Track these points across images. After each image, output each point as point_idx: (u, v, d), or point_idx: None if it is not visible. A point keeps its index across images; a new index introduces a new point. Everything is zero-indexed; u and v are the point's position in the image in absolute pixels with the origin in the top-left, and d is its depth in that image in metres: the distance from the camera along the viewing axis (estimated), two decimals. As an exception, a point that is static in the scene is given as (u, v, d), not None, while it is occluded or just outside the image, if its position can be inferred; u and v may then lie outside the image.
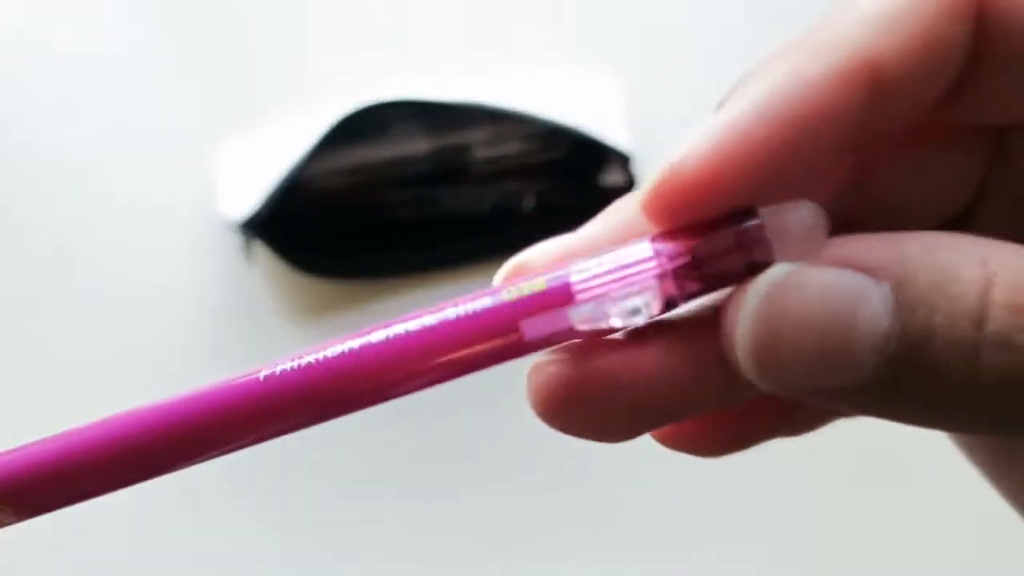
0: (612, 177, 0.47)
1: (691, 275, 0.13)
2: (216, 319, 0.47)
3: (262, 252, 0.46)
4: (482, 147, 0.47)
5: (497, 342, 0.13)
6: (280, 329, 0.47)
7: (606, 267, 0.13)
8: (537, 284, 0.13)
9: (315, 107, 0.45)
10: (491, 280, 0.15)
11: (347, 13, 0.50)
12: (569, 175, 0.48)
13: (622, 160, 0.46)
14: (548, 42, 0.51)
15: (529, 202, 0.48)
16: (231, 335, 0.47)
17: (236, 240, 0.46)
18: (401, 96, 0.44)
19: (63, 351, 0.46)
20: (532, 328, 0.13)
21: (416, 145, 0.47)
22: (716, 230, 0.13)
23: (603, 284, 0.13)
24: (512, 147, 0.47)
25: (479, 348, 0.13)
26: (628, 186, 0.46)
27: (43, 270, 0.47)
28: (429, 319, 0.13)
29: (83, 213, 0.48)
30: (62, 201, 0.48)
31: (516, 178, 0.48)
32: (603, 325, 0.13)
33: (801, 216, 0.13)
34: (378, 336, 0.13)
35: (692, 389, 0.14)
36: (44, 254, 0.47)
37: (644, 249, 0.13)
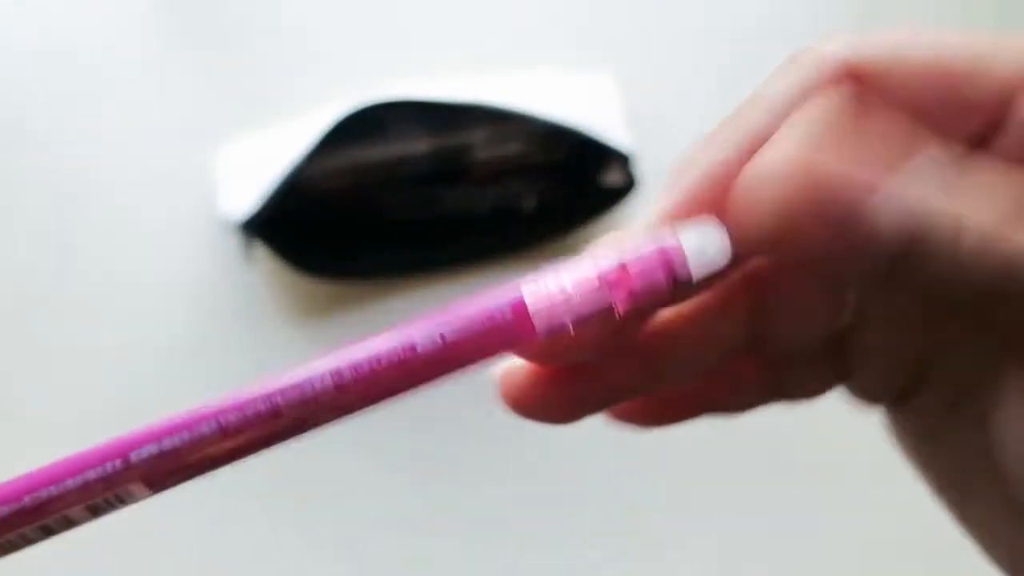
0: (612, 177, 0.47)
1: (625, 288, 0.15)
2: (216, 319, 0.47)
3: (262, 252, 0.46)
4: (482, 147, 0.47)
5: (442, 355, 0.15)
6: (280, 329, 0.47)
7: (556, 282, 0.15)
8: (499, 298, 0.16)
9: (315, 107, 0.45)
10: (490, 279, 0.16)
11: (347, 13, 0.50)
12: (569, 175, 0.48)
13: (622, 160, 0.46)
14: (548, 42, 0.51)
15: (529, 202, 0.48)
16: (231, 335, 0.47)
17: (236, 240, 0.46)
18: (401, 96, 0.44)
19: (62, 351, 0.46)
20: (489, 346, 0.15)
21: (416, 145, 0.47)
22: (642, 250, 0.15)
23: (553, 298, 0.15)
24: (512, 147, 0.47)
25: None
26: (628, 186, 0.46)
27: (43, 270, 0.47)
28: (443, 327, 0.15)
29: (83, 213, 0.48)
30: (62, 201, 0.48)
31: (516, 178, 0.48)
32: (556, 327, 0.16)
33: (708, 233, 0.15)
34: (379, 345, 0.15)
35: (619, 379, 0.18)
36: (44, 254, 0.47)
37: (587, 267, 0.15)
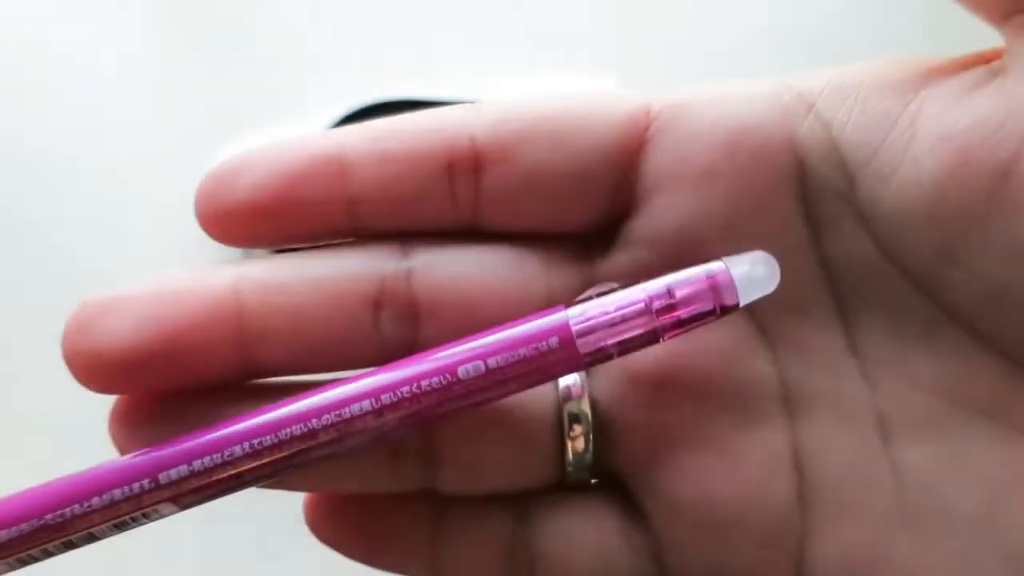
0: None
1: (671, 314, 0.15)
2: (216, 319, 0.47)
3: (262, 252, 0.46)
4: (482, 147, 0.47)
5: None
6: (280, 329, 0.47)
7: (602, 307, 0.15)
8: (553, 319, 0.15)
9: (315, 107, 0.45)
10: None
11: (347, 14, 0.50)
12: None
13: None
14: (549, 43, 0.51)
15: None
16: (231, 335, 0.46)
17: (236, 240, 0.46)
18: (401, 96, 0.44)
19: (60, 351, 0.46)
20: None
21: (416, 145, 0.47)
22: (691, 276, 0.15)
23: (598, 324, 0.15)
24: (512, 148, 0.47)
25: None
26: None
27: (42, 270, 0.47)
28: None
29: (83, 213, 0.48)
30: (62, 201, 0.48)
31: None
32: (601, 354, 0.15)
33: (758, 262, 0.15)
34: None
35: None
36: (43, 254, 0.47)
37: (634, 293, 0.15)
